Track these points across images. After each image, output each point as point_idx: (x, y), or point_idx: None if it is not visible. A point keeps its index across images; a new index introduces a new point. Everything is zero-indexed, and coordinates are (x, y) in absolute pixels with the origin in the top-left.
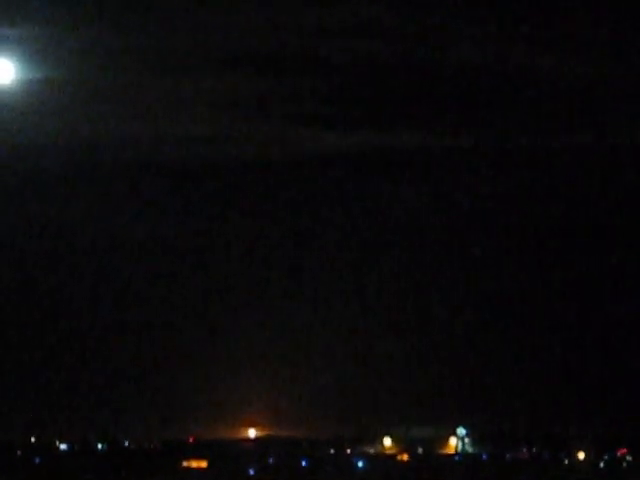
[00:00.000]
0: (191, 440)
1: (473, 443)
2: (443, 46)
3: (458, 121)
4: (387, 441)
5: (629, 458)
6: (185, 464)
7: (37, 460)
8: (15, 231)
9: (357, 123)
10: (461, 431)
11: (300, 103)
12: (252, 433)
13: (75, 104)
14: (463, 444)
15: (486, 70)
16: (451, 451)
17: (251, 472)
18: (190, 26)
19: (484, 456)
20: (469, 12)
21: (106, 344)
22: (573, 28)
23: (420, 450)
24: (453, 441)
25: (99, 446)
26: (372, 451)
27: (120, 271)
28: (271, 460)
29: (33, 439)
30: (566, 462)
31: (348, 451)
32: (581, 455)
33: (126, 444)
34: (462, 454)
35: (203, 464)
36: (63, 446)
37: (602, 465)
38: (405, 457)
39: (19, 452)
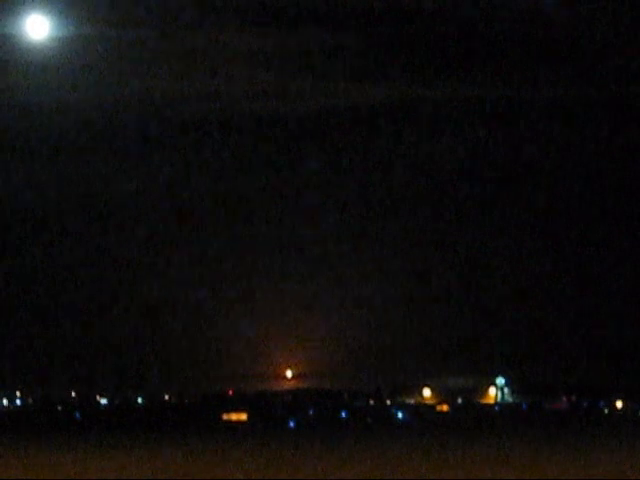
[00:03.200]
0: (230, 393)
1: (512, 393)
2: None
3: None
4: (426, 392)
5: None
6: (225, 417)
7: (77, 415)
8: (45, 187)
9: (388, 75)
10: (500, 381)
11: (330, 57)
12: (289, 373)
13: (109, 61)
14: (502, 394)
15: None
16: (491, 401)
17: (291, 424)
18: None
19: (524, 406)
20: None
21: (145, 302)
22: None
23: (460, 400)
24: (492, 391)
25: (139, 400)
26: (412, 402)
27: (151, 228)
28: (311, 412)
29: (73, 394)
30: (605, 411)
31: (388, 402)
32: (619, 404)
33: (166, 398)
34: (502, 404)
35: (243, 416)
36: (103, 401)
37: None
38: (445, 407)
39: (60, 407)
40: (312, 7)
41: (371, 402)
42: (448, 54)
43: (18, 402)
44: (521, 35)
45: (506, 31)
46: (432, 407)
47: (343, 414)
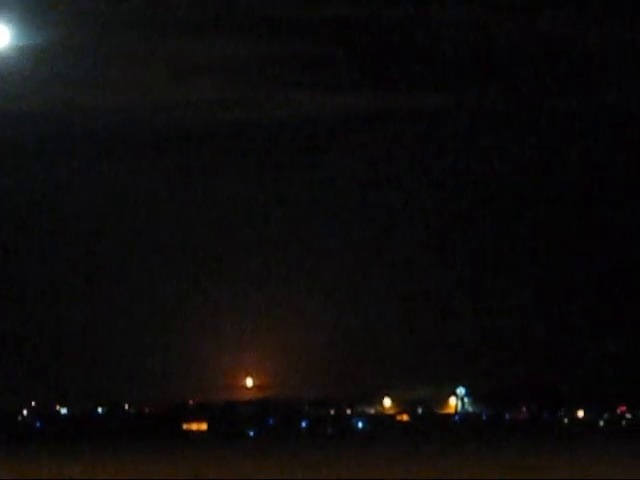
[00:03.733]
0: (191, 402)
1: (473, 403)
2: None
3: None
4: (387, 401)
5: (628, 416)
6: (185, 427)
7: (38, 424)
8: (13, 195)
9: (357, 85)
10: (461, 391)
11: (298, 67)
12: (250, 382)
13: (71, 70)
14: (463, 404)
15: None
16: (451, 411)
17: (251, 434)
18: None
19: (484, 416)
20: None
21: (107, 310)
22: None
23: (420, 410)
24: (453, 401)
25: (99, 410)
26: (372, 411)
27: (119, 238)
28: (271, 421)
29: (34, 403)
30: (565, 421)
31: (348, 411)
32: (580, 413)
33: (126, 407)
34: (462, 414)
35: (203, 426)
36: (63, 410)
37: (602, 423)
38: (405, 417)
39: (20, 417)
40: (285, 16)
41: (331, 412)
42: (424, 64)
43: None
44: (501, 46)
45: (486, 41)
46: (392, 417)
47: (303, 424)
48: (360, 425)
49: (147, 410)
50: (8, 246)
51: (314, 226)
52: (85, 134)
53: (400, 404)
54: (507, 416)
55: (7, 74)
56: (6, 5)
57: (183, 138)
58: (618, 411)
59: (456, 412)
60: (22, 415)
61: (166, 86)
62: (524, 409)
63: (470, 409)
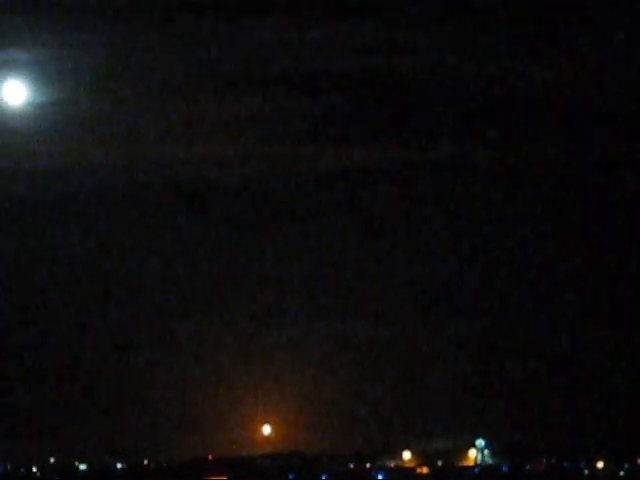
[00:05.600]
0: (210, 457)
1: (493, 455)
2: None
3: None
4: (406, 454)
5: None
6: None
7: None
8: (23, 255)
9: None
10: (480, 443)
11: (303, 121)
12: (267, 430)
13: (87, 127)
14: (483, 456)
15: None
16: (471, 463)
17: None
18: (198, 46)
19: (504, 468)
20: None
21: (122, 364)
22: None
23: (440, 462)
24: (472, 453)
25: (118, 465)
26: (392, 464)
27: (131, 288)
28: (291, 476)
29: (52, 460)
30: (586, 472)
31: (368, 465)
32: (600, 464)
33: (145, 463)
34: (482, 466)
35: None
36: (82, 467)
37: (622, 474)
38: (425, 470)
39: (38, 473)
40: (295, 71)
41: (351, 465)
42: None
43: None
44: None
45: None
46: (412, 470)
47: (323, 478)
48: (380, 478)
49: (166, 465)
50: (32, 295)
51: (339, 273)
52: (103, 189)
53: (419, 456)
54: (527, 468)
55: (23, 131)
56: (22, 63)
57: (198, 191)
58: (639, 462)
59: (476, 464)
60: (41, 471)
61: (187, 140)
62: (544, 460)
63: (490, 461)
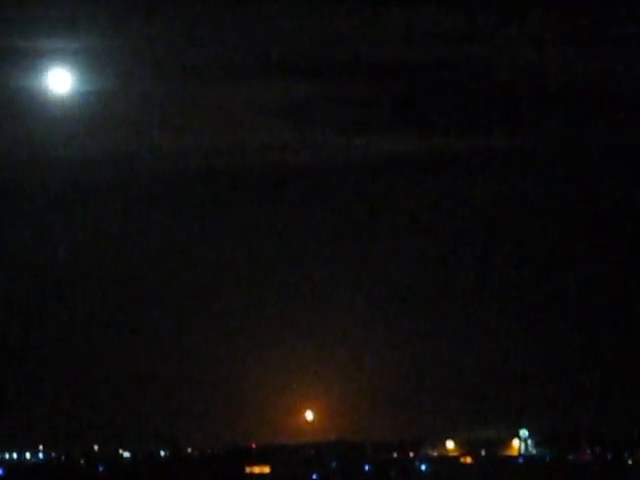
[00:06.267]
0: (254, 446)
1: (536, 445)
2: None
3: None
4: (450, 444)
5: None
6: (248, 470)
7: (101, 468)
8: (70, 243)
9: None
10: (523, 433)
11: (346, 109)
12: (310, 416)
13: (132, 115)
14: (526, 446)
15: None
16: (514, 453)
17: (314, 477)
18: (238, 34)
19: (547, 458)
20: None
21: (167, 352)
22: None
23: (483, 452)
24: (516, 443)
25: (162, 453)
26: (435, 454)
27: (175, 277)
28: (334, 465)
29: (96, 447)
30: (630, 462)
31: (411, 454)
32: None
33: (189, 451)
34: (525, 456)
35: (266, 469)
36: (126, 454)
37: None
38: (468, 459)
39: (82, 461)
40: (328, 58)
41: (394, 454)
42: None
43: (41, 456)
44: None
45: (523, 80)
46: (456, 459)
47: (366, 467)
48: (423, 468)
49: (209, 452)
50: (81, 290)
51: (387, 260)
52: (145, 177)
53: (463, 446)
54: (571, 458)
55: (68, 119)
56: (67, 52)
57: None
58: None
59: (519, 454)
60: (85, 459)
61: (224, 130)
62: (588, 451)
63: (533, 451)
